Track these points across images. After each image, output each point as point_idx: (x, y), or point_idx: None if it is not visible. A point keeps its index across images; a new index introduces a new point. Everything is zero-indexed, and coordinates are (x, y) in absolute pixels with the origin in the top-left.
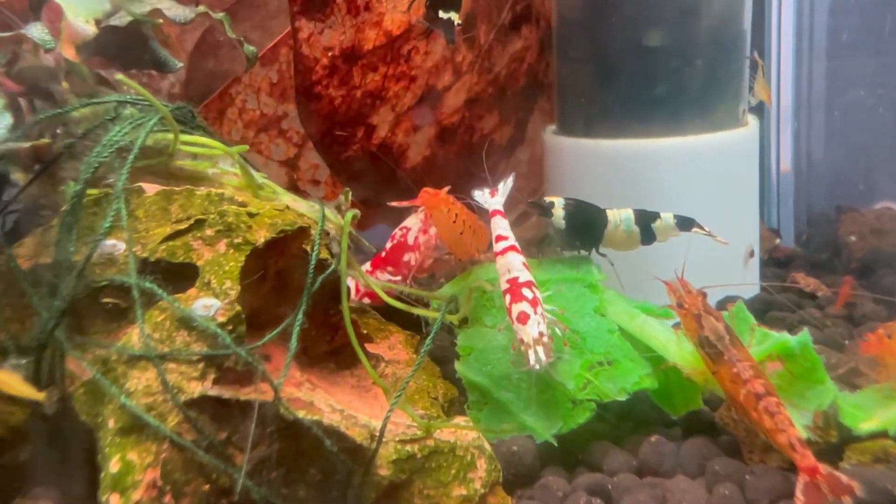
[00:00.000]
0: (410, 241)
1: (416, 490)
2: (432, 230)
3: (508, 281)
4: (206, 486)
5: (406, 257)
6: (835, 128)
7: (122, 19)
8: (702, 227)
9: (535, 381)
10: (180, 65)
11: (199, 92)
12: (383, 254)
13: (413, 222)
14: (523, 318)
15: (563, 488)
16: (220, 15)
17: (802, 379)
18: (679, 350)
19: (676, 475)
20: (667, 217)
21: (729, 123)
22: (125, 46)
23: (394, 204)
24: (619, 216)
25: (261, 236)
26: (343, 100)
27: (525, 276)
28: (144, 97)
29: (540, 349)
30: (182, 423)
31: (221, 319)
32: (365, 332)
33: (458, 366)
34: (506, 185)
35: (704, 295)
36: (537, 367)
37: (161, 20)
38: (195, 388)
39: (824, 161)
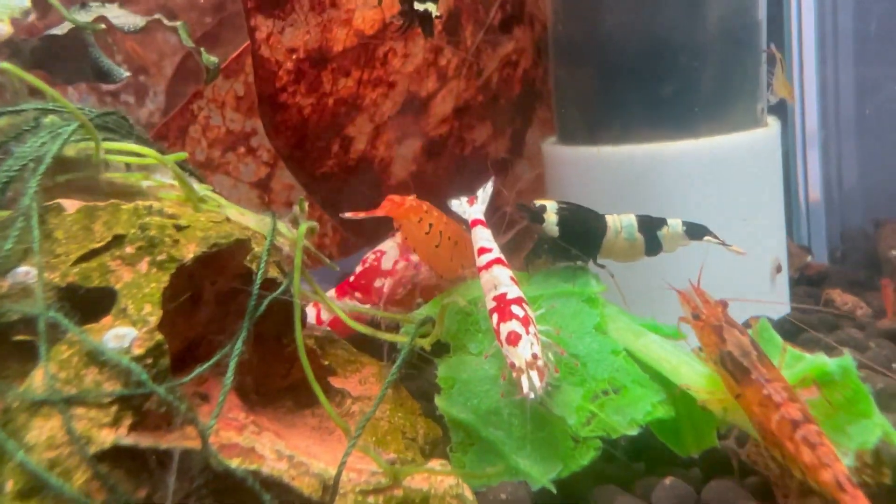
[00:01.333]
0: (387, 265)
1: None
2: (415, 257)
3: (495, 298)
4: None
5: (378, 283)
6: (867, 129)
7: (62, 28)
8: (714, 236)
9: (529, 415)
10: (126, 75)
11: None
12: (351, 278)
13: (390, 246)
14: (514, 339)
15: None
16: (176, 23)
17: (843, 410)
18: (693, 374)
19: None
20: (674, 224)
21: (746, 124)
22: (65, 57)
23: (349, 216)
24: (620, 222)
25: (189, 251)
26: (313, 109)
27: (514, 291)
28: (60, 103)
29: (534, 374)
30: (91, 481)
31: (138, 352)
32: (327, 363)
33: (438, 400)
34: (485, 192)
35: (725, 305)
36: (532, 395)
37: (104, 26)
38: (107, 437)
39: (857, 170)
